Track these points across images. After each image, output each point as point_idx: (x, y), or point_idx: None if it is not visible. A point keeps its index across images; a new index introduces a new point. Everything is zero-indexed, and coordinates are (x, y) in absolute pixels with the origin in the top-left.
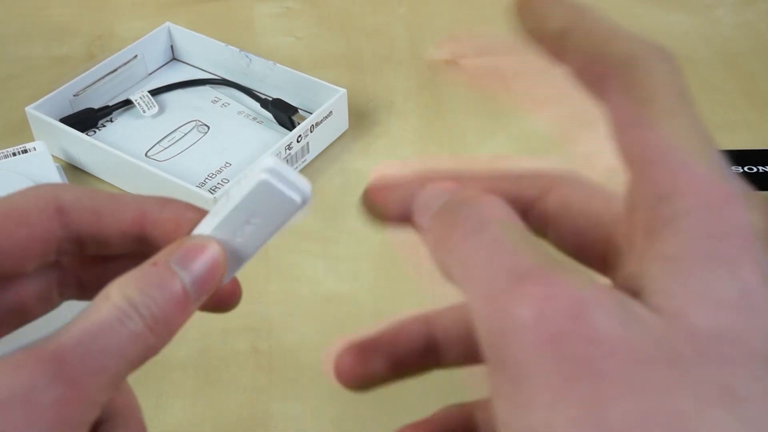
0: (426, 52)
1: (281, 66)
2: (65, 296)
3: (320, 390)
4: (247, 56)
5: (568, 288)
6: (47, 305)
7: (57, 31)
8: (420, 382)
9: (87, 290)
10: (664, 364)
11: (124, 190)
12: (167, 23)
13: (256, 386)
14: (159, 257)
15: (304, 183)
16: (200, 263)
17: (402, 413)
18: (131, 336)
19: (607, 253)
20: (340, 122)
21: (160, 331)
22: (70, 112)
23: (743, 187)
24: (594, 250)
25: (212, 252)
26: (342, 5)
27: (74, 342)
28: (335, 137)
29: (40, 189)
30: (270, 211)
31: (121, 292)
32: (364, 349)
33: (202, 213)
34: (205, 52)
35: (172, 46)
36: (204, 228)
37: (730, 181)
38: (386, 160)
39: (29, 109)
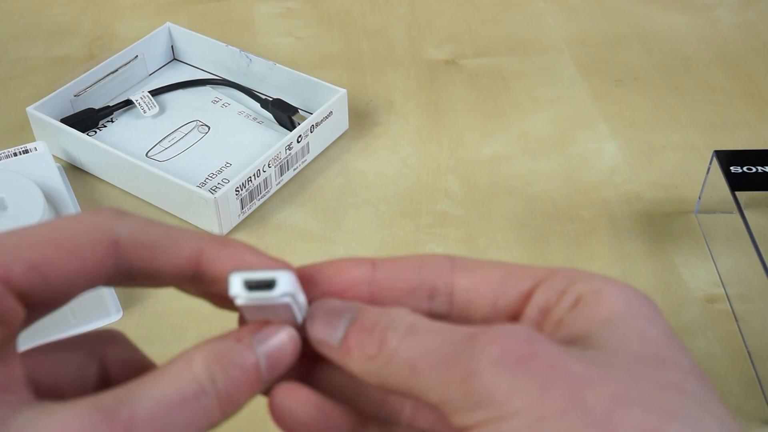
0: (426, 52)
1: (281, 66)
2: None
3: None
4: (247, 56)
5: (514, 331)
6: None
7: (57, 31)
8: None
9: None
10: (618, 368)
11: (126, 191)
12: (167, 23)
13: None
14: (244, 335)
15: (273, 275)
16: (277, 347)
17: None
18: (203, 413)
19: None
20: (340, 122)
21: (227, 411)
22: (71, 112)
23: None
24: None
25: (288, 337)
26: (342, 5)
27: (148, 413)
28: (335, 137)
29: (98, 219)
30: (273, 309)
31: (206, 367)
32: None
33: (260, 256)
34: (206, 53)
35: (172, 47)
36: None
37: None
38: (386, 159)
39: (30, 110)
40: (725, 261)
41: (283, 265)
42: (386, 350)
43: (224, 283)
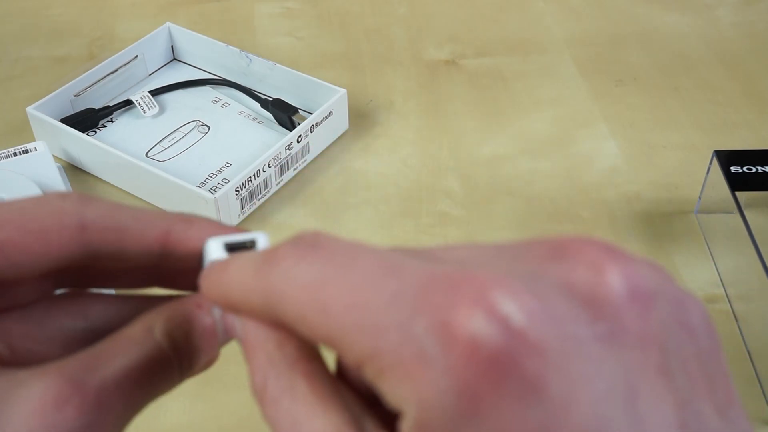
0: (426, 52)
1: (281, 66)
2: (61, 288)
3: None
4: (247, 56)
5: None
6: (44, 293)
7: (57, 31)
8: None
9: (83, 285)
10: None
11: (126, 191)
12: (167, 23)
13: None
14: (204, 300)
15: (252, 236)
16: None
17: None
18: (164, 376)
19: None
20: (340, 122)
21: (186, 374)
22: (71, 112)
23: None
24: None
25: None
26: (342, 5)
27: (115, 380)
28: (335, 137)
29: (65, 202)
30: None
31: (167, 333)
32: None
33: (228, 229)
34: (206, 53)
35: (172, 47)
36: None
37: None
38: (386, 159)
39: (30, 110)
40: (725, 261)
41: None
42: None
43: (192, 261)
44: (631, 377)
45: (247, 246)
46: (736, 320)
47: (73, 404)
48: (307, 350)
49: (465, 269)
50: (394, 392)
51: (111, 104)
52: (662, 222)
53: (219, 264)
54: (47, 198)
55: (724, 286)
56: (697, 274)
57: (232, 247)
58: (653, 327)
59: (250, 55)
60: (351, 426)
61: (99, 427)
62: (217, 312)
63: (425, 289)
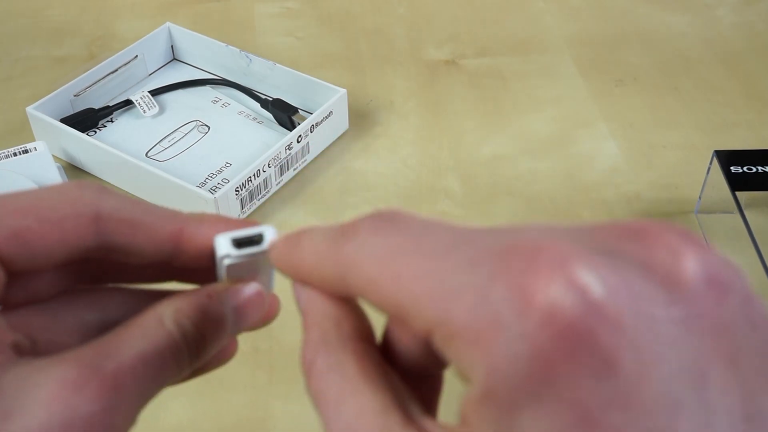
0: (426, 52)
1: (281, 66)
2: (80, 285)
3: None
4: (247, 56)
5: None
6: (63, 288)
7: (57, 31)
8: None
9: (99, 280)
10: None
11: (126, 191)
12: (167, 23)
13: (256, 386)
14: (214, 291)
15: (259, 230)
16: (245, 302)
17: None
18: (175, 363)
19: None
20: (341, 122)
21: (195, 362)
22: (71, 112)
23: None
24: None
25: (256, 292)
26: (342, 5)
27: (130, 368)
28: (335, 137)
29: (82, 192)
30: (253, 266)
31: (176, 322)
32: None
33: (238, 224)
34: (206, 53)
35: (172, 47)
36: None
37: None
38: (386, 159)
39: (30, 110)
40: None
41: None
42: None
43: (204, 258)
44: (703, 363)
45: (255, 240)
46: None
47: (91, 387)
48: (363, 331)
49: (545, 238)
50: (463, 357)
51: (111, 104)
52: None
53: (291, 236)
54: (65, 187)
55: None
56: None
57: (239, 243)
58: (726, 316)
59: (250, 55)
60: (396, 407)
61: (116, 411)
62: (228, 302)
63: (504, 255)
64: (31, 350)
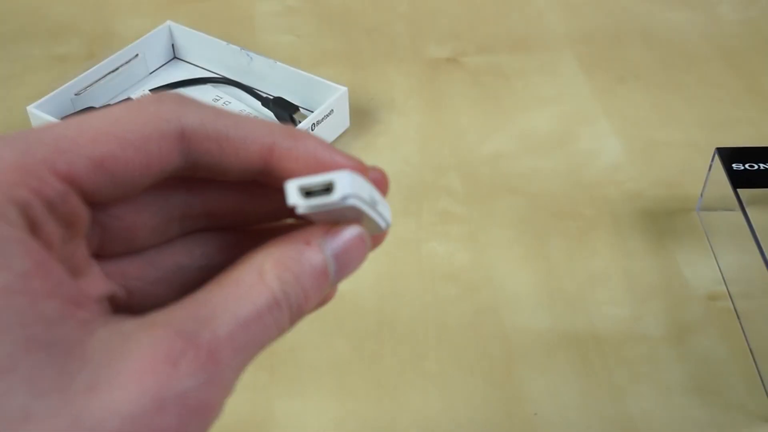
0: (427, 50)
1: (282, 64)
2: (187, 229)
3: (321, 388)
4: (248, 54)
5: None
6: (162, 237)
7: (57, 30)
8: (422, 382)
9: (211, 221)
10: None
11: None
12: (168, 22)
13: (256, 385)
14: (313, 237)
15: (329, 178)
16: (346, 248)
17: (403, 411)
18: (276, 325)
19: None
20: (342, 120)
21: (295, 320)
22: (71, 111)
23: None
24: None
25: (358, 236)
26: (343, 3)
27: (228, 333)
28: (336, 135)
29: (162, 107)
30: (341, 211)
31: (277, 276)
32: None
33: (332, 151)
34: (206, 51)
35: (172, 45)
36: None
37: None
38: (387, 157)
39: (30, 109)
40: (727, 258)
41: (350, 164)
42: None
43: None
44: None
45: (326, 189)
46: (738, 318)
47: (188, 359)
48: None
49: None
50: None
51: (111, 103)
52: (664, 219)
53: None
54: (142, 103)
55: (726, 284)
56: (699, 271)
57: (308, 192)
58: None
59: (251, 53)
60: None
61: (215, 384)
62: (328, 249)
63: None
64: (126, 303)
